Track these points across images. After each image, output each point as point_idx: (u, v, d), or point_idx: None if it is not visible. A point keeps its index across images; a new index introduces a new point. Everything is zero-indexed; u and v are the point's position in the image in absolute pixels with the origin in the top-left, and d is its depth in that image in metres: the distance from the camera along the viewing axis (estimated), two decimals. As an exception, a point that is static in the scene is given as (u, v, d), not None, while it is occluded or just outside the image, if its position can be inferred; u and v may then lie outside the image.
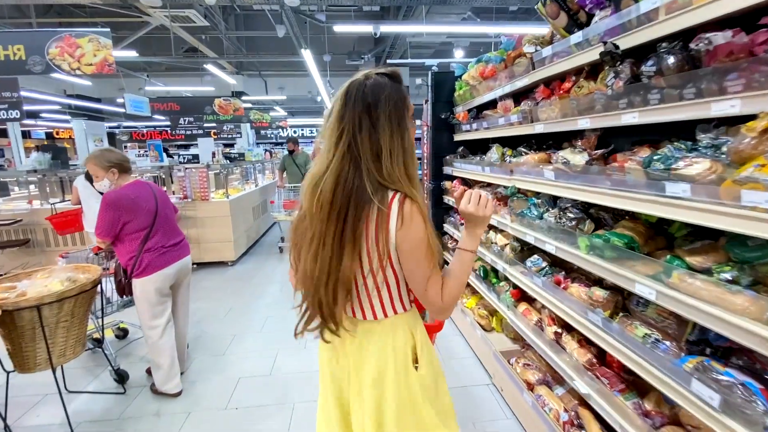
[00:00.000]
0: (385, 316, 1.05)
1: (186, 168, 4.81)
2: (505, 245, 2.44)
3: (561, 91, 1.93)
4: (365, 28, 5.39)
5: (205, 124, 9.67)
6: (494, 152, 2.44)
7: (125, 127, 16.32)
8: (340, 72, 13.05)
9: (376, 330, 1.05)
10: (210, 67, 8.62)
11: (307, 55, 6.13)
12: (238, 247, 5.26)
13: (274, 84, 13.58)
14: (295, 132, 18.98)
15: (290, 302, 4.14)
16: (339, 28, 4.88)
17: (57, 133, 16.63)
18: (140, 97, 7.92)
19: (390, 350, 1.04)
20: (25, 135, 16.82)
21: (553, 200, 2.04)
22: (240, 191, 5.84)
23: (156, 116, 9.16)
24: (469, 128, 3.14)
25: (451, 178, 3.63)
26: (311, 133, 18.74)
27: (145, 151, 5.53)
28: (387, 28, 5.16)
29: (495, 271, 2.73)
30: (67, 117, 13.40)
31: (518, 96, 2.46)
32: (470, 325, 2.91)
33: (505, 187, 2.38)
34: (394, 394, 1.03)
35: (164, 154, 5.89)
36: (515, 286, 2.32)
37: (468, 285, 3.28)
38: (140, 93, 9.80)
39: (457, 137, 3.48)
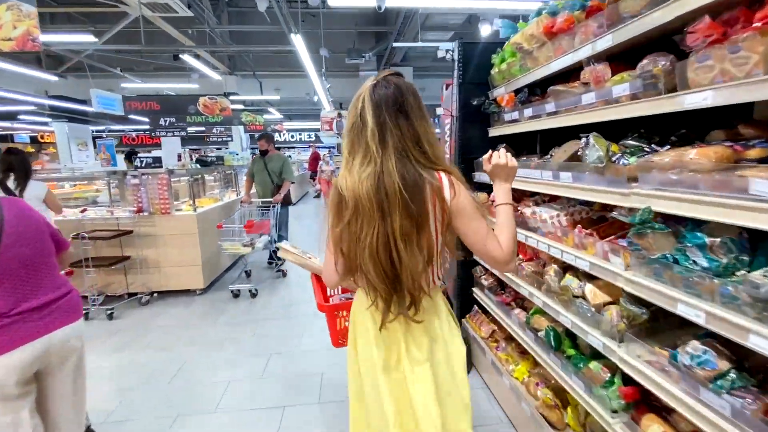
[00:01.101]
0: (430, 287, 1.15)
1: (143, 174, 3.83)
2: (606, 305, 1.44)
3: (751, 24, 0.96)
4: (366, 2, 4.44)
5: (190, 127, 8.73)
6: (593, 147, 1.45)
7: (112, 131, 15.42)
8: (340, 72, 12.15)
9: (427, 304, 1.14)
10: (189, 59, 7.69)
11: (297, 42, 5.19)
12: (208, 272, 4.26)
13: (269, 85, 12.68)
14: (292, 136, 18.06)
15: (264, 357, 3.01)
16: (334, 2, 3.95)
17: (42, 137, 15.76)
18: (110, 93, 6.97)
19: (436, 321, 1.17)
20: (6, 139, 15.95)
21: (749, 243, 1.03)
22: (216, 202, 4.86)
23: (135, 117, 8.22)
24: (518, 117, 2.16)
25: (487, 187, 2.64)
26: (309, 137, 17.84)
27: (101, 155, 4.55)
28: (393, 2, 4.21)
29: (571, 336, 1.73)
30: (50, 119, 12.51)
31: (616, 59, 1.48)
32: (529, 417, 1.90)
33: (608, 208, 1.39)
34: (445, 357, 1.16)
35: (122, 158, 4.91)
36: (630, 380, 1.32)
37: (512, 340, 2.29)
38: (122, 91, 8.89)
39: (495, 131, 2.50)
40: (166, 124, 8.25)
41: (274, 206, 4.53)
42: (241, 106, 12.30)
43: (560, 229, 1.70)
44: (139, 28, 7.68)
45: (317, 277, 1.95)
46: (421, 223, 1.02)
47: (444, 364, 1.15)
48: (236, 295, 4.15)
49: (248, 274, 4.61)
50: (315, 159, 12.85)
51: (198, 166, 4.74)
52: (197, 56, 9.33)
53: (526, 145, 2.47)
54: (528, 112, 2.04)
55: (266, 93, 11.87)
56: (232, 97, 10.96)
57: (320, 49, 7.97)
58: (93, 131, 12.97)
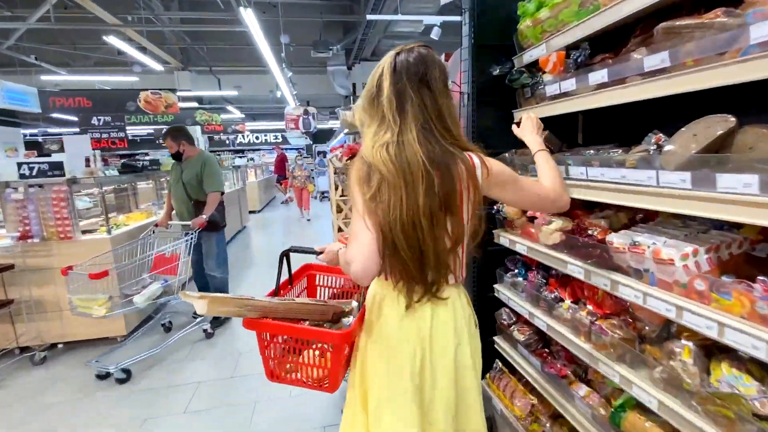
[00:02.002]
0: (455, 281, 1.13)
1: (30, 186, 2.80)
2: None
3: None
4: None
5: (131, 127, 7.54)
6: None
7: (50, 135, 13.71)
8: (306, 68, 11.16)
9: (451, 293, 1.12)
10: (131, 50, 6.54)
11: (248, 19, 4.25)
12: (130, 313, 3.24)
13: (229, 82, 11.53)
14: (257, 138, 16.82)
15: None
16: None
17: (-34, 143, 13.84)
18: (23, 87, 5.74)
19: (461, 314, 1.14)
20: None
21: None
22: (148, 217, 3.84)
23: (59, 116, 6.95)
24: (573, 87, 1.37)
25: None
26: (275, 138, 16.66)
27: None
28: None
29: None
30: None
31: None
32: None
33: None
34: (469, 350, 1.16)
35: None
36: None
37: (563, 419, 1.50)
38: (43, 85, 7.55)
39: (520, 115, 1.71)
40: (100, 123, 7.03)
41: (189, 234, 3.07)
42: (195, 104, 11.09)
43: (703, 280, 0.91)
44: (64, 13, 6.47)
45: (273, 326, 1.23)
46: (450, 205, 0.99)
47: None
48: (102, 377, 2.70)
49: (168, 328, 3.38)
50: (281, 161, 11.76)
51: (119, 173, 3.69)
52: (144, 50, 8.13)
53: (563, 136, 1.70)
54: (597, 76, 1.26)
55: (225, 90, 10.74)
56: (183, 93, 9.78)
57: (281, 36, 7.03)
58: (26, 134, 11.37)
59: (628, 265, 1.13)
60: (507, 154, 1.74)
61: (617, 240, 1.14)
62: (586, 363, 1.34)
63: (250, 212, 9.30)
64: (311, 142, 16.34)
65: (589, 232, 1.29)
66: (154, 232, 3.22)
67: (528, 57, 1.64)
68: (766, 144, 0.86)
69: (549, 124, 1.69)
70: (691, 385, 0.95)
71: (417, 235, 0.97)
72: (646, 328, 1.15)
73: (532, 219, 1.62)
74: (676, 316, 0.97)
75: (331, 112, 14.38)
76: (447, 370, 1.10)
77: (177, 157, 3.30)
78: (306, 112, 9.18)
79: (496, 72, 1.71)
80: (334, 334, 1.21)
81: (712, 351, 0.98)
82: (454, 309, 1.12)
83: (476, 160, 1.03)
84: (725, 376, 0.89)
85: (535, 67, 1.67)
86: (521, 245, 1.64)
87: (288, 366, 1.31)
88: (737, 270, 0.96)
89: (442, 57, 2.12)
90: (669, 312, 0.99)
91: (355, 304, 1.42)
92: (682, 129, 1.02)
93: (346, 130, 2.30)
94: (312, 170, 7.66)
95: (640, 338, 1.21)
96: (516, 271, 1.81)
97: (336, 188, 4.49)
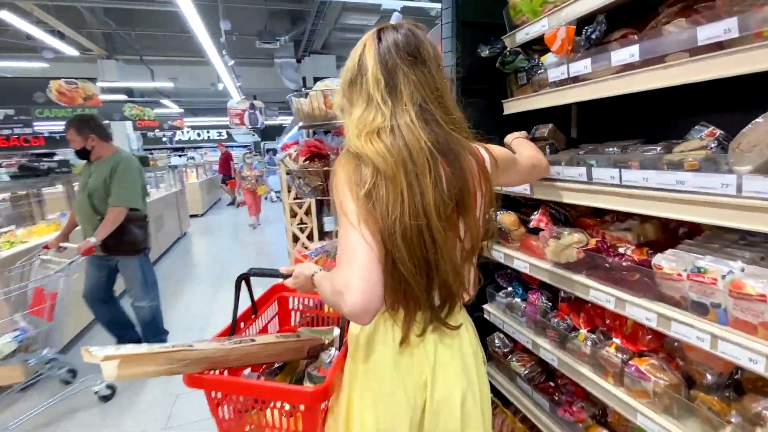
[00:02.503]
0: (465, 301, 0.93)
1: None
2: None
3: None
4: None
5: (42, 122, 6.49)
6: None
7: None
8: (251, 60, 10.37)
9: (464, 320, 0.93)
10: (41, 34, 5.56)
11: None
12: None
13: (163, 73, 10.45)
14: (199, 135, 15.58)
15: None
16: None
17: None
18: None
19: (469, 349, 0.91)
20: None
21: None
22: (56, 230, 3.17)
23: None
24: (587, 69, 1.11)
25: (510, 204, 1.58)
26: (219, 135, 15.52)
27: None
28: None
29: None
30: None
31: None
32: None
33: None
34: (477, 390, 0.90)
35: None
36: None
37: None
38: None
39: (518, 105, 1.43)
40: (1, 117, 5.95)
41: (73, 262, 2.31)
42: (123, 97, 9.96)
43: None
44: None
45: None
46: (464, 202, 0.81)
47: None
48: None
49: (67, 379, 2.47)
50: (226, 160, 10.85)
51: (12, 177, 2.98)
52: (61, 36, 7.00)
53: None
54: (624, 54, 1.00)
55: (159, 81, 9.70)
56: (108, 84, 8.69)
57: (220, 22, 6.38)
58: None
59: (684, 296, 0.87)
60: (500, 153, 1.46)
61: (668, 264, 0.88)
62: (607, 404, 1.10)
63: (192, 216, 8.46)
64: (259, 139, 15.42)
65: (620, 249, 1.04)
66: (39, 256, 2.41)
67: (523, 35, 1.36)
68: None
69: (534, 117, 1.43)
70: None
71: (423, 243, 0.76)
72: (707, 375, 0.90)
73: (533, 231, 1.35)
74: (766, 369, 0.72)
75: (281, 107, 13.66)
76: (451, 425, 0.86)
77: (84, 155, 2.48)
78: (252, 107, 8.51)
79: (486, 53, 1.41)
80: (302, 392, 0.96)
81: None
82: (461, 342, 0.90)
83: (484, 153, 0.89)
84: None
85: (530, 48, 1.41)
86: (521, 262, 1.37)
87: (248, 429, 1.02)
88: (840, 305, 0.73)
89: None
90: (753, 363, 0.74)
91: (337, 331, 1.20)
92: (758, 120, 0.78)
93: (300, 123, 1.90)
94: (263, 168, 6.73)
95: (687, 381, 0.97)
96: (510, 289, 1.54)
97: (288, 191, 4.06)
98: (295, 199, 3.99)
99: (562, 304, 1.29)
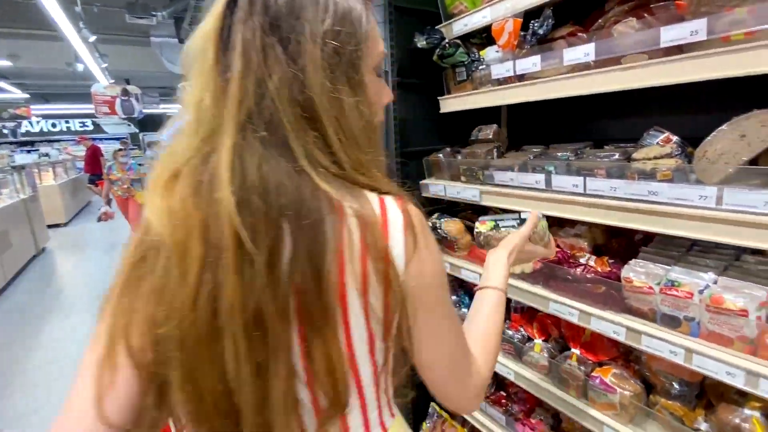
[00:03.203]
0: None
1: None
2: None
3: None
4: None
5: None
6: None
7: None
8: (120, 36, 8.78)
9: None
10: None
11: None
12: None
13: (0, 49, 8.29)
14: (54, 125, 12.81)
15: None
16: None
17: None
18: None
19: None
20: None
21: None
22: None
23: None
24: (535, 66, 1.03)
25: (450, 208, 1.48)
26: (83, 126, 12.97)
27: None
28: None
29: None
30: None
31: None
32: None
33: None
34: None
35: None
36: None
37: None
38: None
39: (456, 103, 1.32)
40: None
41: None
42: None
43: (787, 334, 0.67)
44: None
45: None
46: (312, 303, 0.43)
47: None
48: None
49: None
50: (94, 156, 8.96)
51: None
52: None
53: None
54: (578, 52, 0.93)
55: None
56: None
57: (74, -12, 5.22)
58: None
59: (652, 309, 0.85)
60: (441, 155, 1.34)
61: (637, 277, 0.85)
62: (572, 418, 1.07)
63: (51, 227, 6.90)
64: (137, 130, 13.31)
65: (581, 260, 0.99)
66: None
67: (461, 26, 1.24)
68: None
69: (470, 116, 1.35)
70: (767, 471, 0.72)
71: (227, 385, 0.43)
72: (674, 384, 0.90)
73: (482, 239, 1.26)
74: (746, 383, 0.71)
75: (163, 92, 11.99)
76: None
77: None
78: (126, 93, 7.22)
79: (422, 44, 1.27)
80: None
81: (772, 415, 0.77)
82: None
83: (393, 217, 0.48)
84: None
85: (468, 41, 1.30)
86: (469, 272, 1.27)
87: None
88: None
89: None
90: (732, 377, 0.73)
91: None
92: (723, 128, 0.76)
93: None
94: (143, 172, 5.03)
95: (646, 388, 0.97)
96: (456, 298, 1.45)
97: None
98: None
99: (515, 315, 1.24)
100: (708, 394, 0.87)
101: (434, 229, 1.34)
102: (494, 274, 0.67)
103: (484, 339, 0.60)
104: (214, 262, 0.41)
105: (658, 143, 0.89)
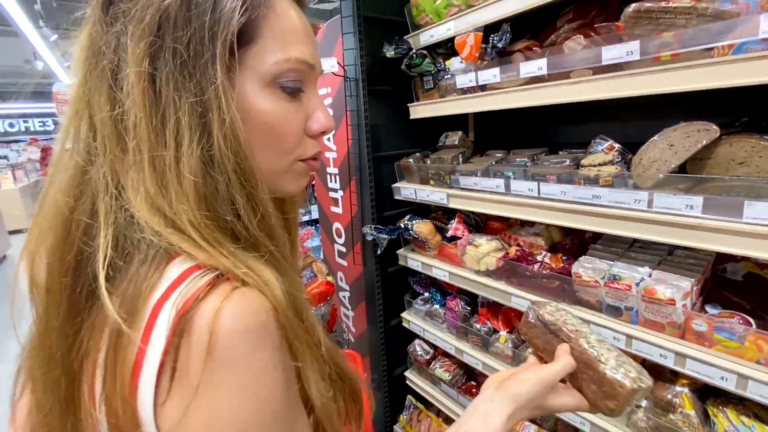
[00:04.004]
0: None
1: None
2: None
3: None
4: None
5: None
6: None
7: None
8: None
9: None
10: None
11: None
12: None
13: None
14: (12, 126, 12.15)
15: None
16: None
17: None
18: None
19: None
20: None
21: None
22: None
23: None
24: (495, 78, 1.11)
25: (421, 210, 1.55)
26: (44, 125, 12.37)
27: None
28: None
29: None
30: None
31: None
32: None
33: None
34: None
35: None
36: None
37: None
38: None
39: (424, 110, 1.39)
40: None
41: None
42: None
43: (706, 320, 0.77)
44: None
45: None
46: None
47: None
48: None
49: None
50: (47, 157, 8.57)
51: None
52: None
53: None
54: (533, 66, 1.01)
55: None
56: None
57: (31, -18, 4.99)
58: None
59: (599, 300, 0.94)
60: (411, 160, 1.40)
61: (585, 272, 0.94)
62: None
63: (13, 233, 6.59)
64: (103, 130, 12.77)
65: (538, 258, 1.08)
66: None
67: (427, 37, 1.31)
68: (764, 160, 0.74)
69: (439, 120, 1.42)
70: (692, 436, 0.82)
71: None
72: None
73: (450, 239, 1.34)
74: (675, 363, 0.81)
75: (129, 92, 11.57)
76: None
77: None
78: (90, 92, 6.94)
79: (391, 53, 1.32)
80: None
81: (699, 391, 0.87)
82: None
83: (166, 309, 0.32)
84: (734, 426, 0.78)
85: (434, 51, 1.37)
86: (440, 270, 1.35)
87: None
88: (716, 298, 0.86)
89: (321, 26, 1.62)
90: (664, 359, 0.83)
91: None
92: (654, 138, 0.86)
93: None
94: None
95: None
96: (428, 295, 1.52)
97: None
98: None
99: (482, 309, 1.32)
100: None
101: (405, 229, 1.41)
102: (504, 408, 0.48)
103: None
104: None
105: (602, 150, 0.98)
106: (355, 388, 0.46)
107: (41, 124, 12.32)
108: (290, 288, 0.37)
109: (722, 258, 0.94)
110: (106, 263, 0.33)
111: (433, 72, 1.33)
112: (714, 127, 0.79)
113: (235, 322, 0.31)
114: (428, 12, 1.30)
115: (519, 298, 1.10)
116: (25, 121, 12.22)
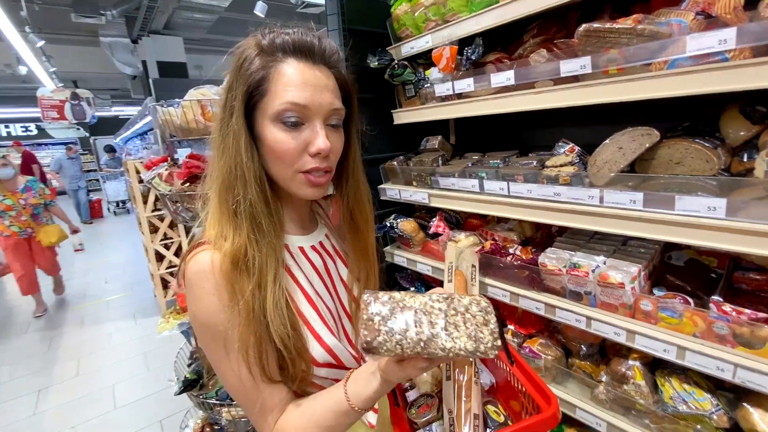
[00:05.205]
0: None
1: None
2: None
3: None
4: None
5: None
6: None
7: None
8: (67, 36, 8.35)
9: None
10: None
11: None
12: None
13: None
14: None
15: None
16: None
17: None
18: None
19: None
20: None
21: None
22: None
23: None
24: (469, 87, 1.22)
25: (405, 209, 1.65)
26: (26, 130, 12.15)
27: None
28: None
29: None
30: None
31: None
32: None
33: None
34: None
35: None
36: None
37: None
38: None
39: (407, 116, 1.49)
40: None
41: None
42: None
43: (651, 300, 0.88)
44: None
45: None
46: None
47: None
48: None
49: None
50: (26, 164, 6.91)
51: None
52: None
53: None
54: (502, 77, 1.12)
55: None
56: None
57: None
58: None
59: (563, 287, 1.05)
60: (395, 163, 1.50)
61: (550, 262, 1.05)
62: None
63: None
64: (88, 134, 12.59)
65: (510, 250, 1.18)
66: None
67: (408, 49, 1.41)
68: (695, 160, 0.85)
69: (421, 125, 1.52)
70: (644, 405, 0.93)
71: None
72: (581, 346, 1.11)
73: (433, 236, 1.44)
74: (627, 339, 0.93)
75: (115, 94, 11.46)
76: None
77: None
78: (75, 97, 6.90)
79: (374, 64, 1.42)
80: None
81: (649, 365, 0.99)
82: None
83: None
84: (677, 392, 0.89)
85: (415, 61, 1.47)
86: (424, 265, 1.45)
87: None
88: (663, 282, 0.98)
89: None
90: (618, 336, 0.94)
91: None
92: (606, 142, 0.97)
93: (170, 133, 1.61)
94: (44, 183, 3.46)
95: (565, 352, 1.18)
96: (413, 289, 1.62)
97: (144, 201, 3.45)
98: (153, 211, 3.42)
99: (463, 300, 1.42)
100: (608, 352, 1.09)
101: (391, 228, 1.50)
102: (364, 388, 0.57)
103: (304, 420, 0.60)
104: None
105: (564, 152, 1.09)
106: (298, 346, 0.61)
107: (24, 129, 12.10)
108: (250, 249, 0.59)
109: (669, 246, 1.06)
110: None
111: (414, 81, 1.43)
112: (655, 131, 0.91)
113: (191, 267, 0.60)
114: (408, 26, 1.40)
115: (495, 288, 1.20)
116: (6, 126, 11.99)
